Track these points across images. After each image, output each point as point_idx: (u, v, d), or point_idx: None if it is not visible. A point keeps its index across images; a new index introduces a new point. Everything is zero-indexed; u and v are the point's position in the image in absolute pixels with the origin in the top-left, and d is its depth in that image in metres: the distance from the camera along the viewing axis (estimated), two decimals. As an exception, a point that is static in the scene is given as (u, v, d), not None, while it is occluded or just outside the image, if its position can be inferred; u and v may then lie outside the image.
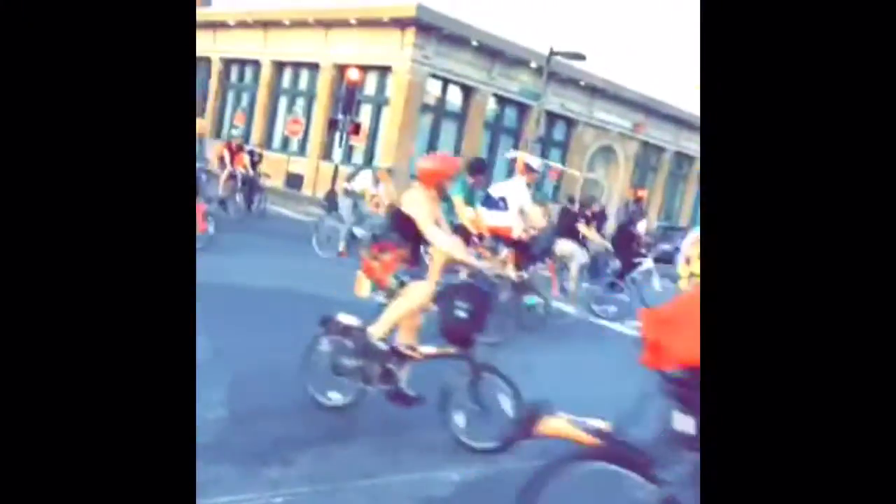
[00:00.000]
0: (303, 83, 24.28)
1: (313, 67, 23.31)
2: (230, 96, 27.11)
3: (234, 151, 12.93)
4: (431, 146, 21.33)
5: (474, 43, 21.05)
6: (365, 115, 21.68)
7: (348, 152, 20.98)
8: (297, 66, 24.28)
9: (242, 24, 25.15)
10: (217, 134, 25.13)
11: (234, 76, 27.08)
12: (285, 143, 23.18)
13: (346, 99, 19.31)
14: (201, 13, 24.12)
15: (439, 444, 4.05)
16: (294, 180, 22.61)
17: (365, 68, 21.09)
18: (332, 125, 19.58)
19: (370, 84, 22.08)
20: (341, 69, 21.28)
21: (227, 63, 26.79)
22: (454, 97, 22.41)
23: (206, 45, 26.37)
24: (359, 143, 20.79)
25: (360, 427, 4.18)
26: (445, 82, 21.82)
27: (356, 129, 19.31)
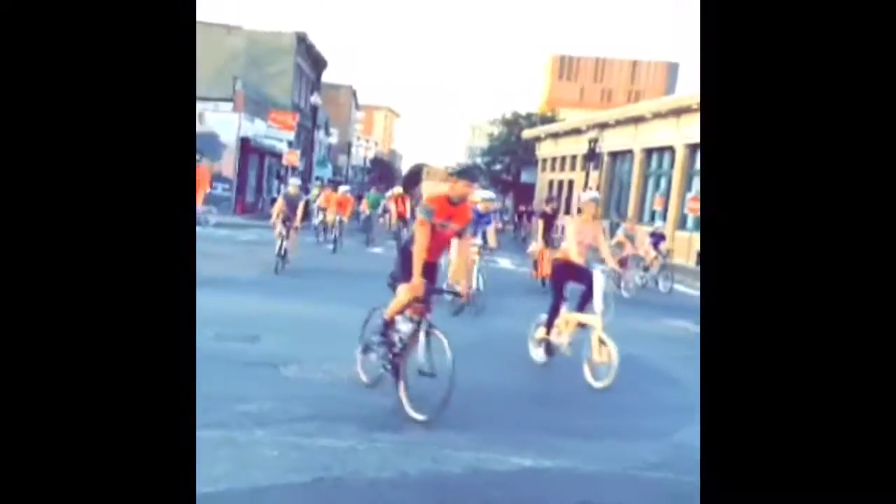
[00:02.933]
0: (713, 161, 24.78)
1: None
2: (650, 182, 28.99)
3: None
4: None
5: None
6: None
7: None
8: (707, 146, 24.97)
9: (657, 115, 27.10)
10: (639, 217, 27.07)
11: (654, 163, 28.98)
12: (684, 220, 23.96)
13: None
14: (625, 110, 26.73)
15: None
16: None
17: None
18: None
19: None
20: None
21: (648, 152, 28.87)
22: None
23: (628, 138, 29.12)
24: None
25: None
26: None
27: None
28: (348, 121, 61.88)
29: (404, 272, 5.03)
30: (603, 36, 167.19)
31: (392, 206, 19.22)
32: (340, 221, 17.07)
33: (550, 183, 39.86)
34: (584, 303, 6.71)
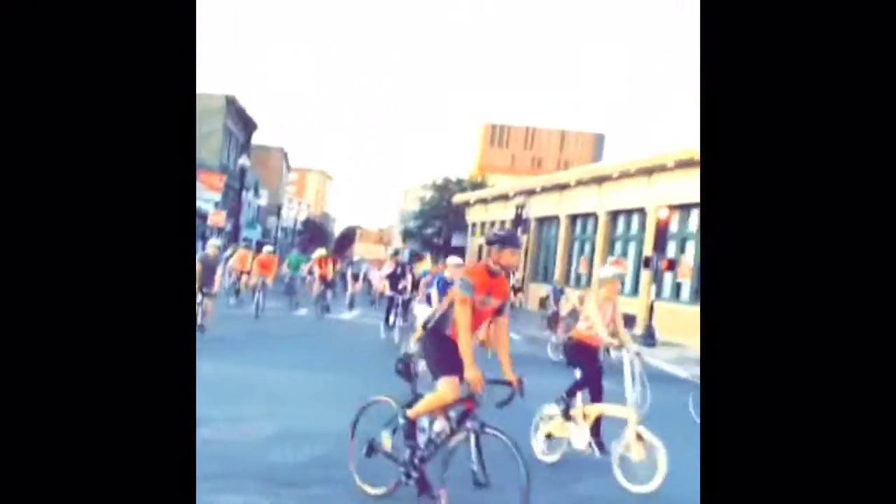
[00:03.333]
0: (633, 228, 25.65)
1: (640, 212, 24.63)
2: (576, 246, 29.75)
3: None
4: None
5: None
6: (689, 253, 21.94)
7: (675, 289, 21.39)
8: (628, 212, 25.87)
9: (580, 183, 28.06)
10: (566, 280, 27.62)
11: (577, 229, 29.82)
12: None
13: (657, 237, 20.08)
14: (551, 178, 27.55)
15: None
16: (628, 320, 23.56)
17: (687, 206, 21.69)
18: (647, 263, 20.37)
19: (693, 222, 22.42)
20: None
21: (573, 218, 29.71)
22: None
23: (553, 204, 29.98)
24: (685, 279, 21.16)
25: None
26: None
27: (670, 265, 19.80)
28: (279, 182, 61.58)
29: (443, 363, 4.19)
30: (533, 105, 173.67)
31: (316, 270, 18.23)
32: (263, 284, 15.91)
33: (480, 247, 40.36)
34: (598, 391, 5.88)
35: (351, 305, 20.34)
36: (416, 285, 12.91)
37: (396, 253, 17.00)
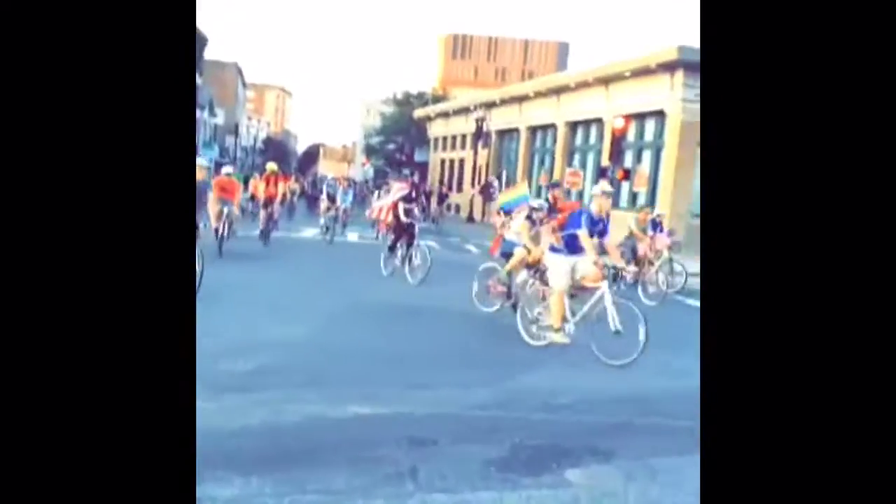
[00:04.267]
0: (592, 139, 25.71)
1: (598, 122, 24.63)
2: (536, 159, 29.78)
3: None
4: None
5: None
6: (645, 162, 22.16)
7: (632, 198, 21.72)
8: (586, 123, 25.85)
9: (539, 94, 27.82)
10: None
11: (538, 141, 29.77)
12: (567, 194, 24.90)
13: (613, 147, 20.21)
14: (510, 89, 27.16)
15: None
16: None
17: (643, 115, 21.75)
18: (603, 173, 20.57)
19: (649, 131, 22.53)
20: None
21: (533, 130, 29.60)
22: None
23: (514, 116, 29.78)
24: (641, 188, 21.50)
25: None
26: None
27: (625, 174, 20.03)
28: (235, 100, 59.82)
29: None
30: (496, 14, 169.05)
31: (261, 188, 15.31)
32: (228, 212, 12.24)
33: (442, 162, 40.16)
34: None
35: (327, 229, 16.75)
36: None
37: (412, 174, 13.42)
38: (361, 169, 56.67)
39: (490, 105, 31.97)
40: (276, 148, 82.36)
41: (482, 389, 5.23)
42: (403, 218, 10.93)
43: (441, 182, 37.25)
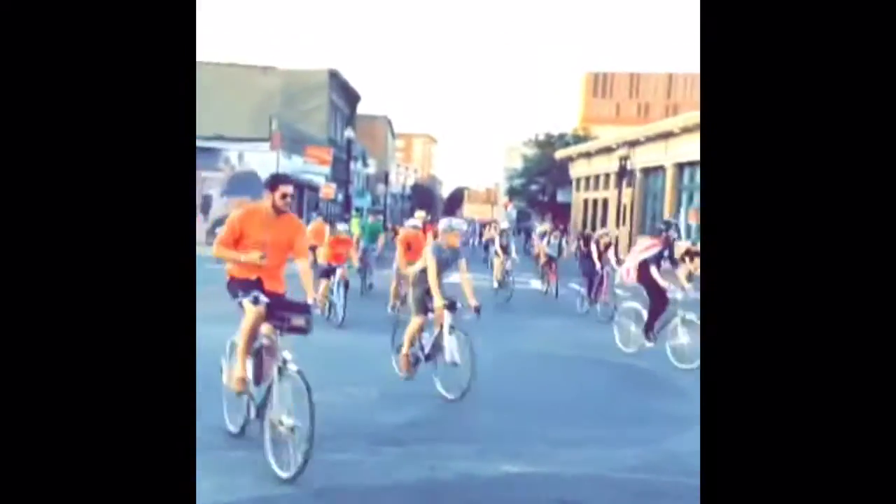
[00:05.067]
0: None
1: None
2: (684, 196, 28.92)
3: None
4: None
5: None
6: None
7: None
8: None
9: (686, 130, 27.17)
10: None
11: (685, 178, 28.93)
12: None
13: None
14: (654, 126, 26.57)
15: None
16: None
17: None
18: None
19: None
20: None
21: (680, 166, 28.85)
22: None
23: (659, 154, 29.26)
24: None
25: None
26: None
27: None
28: (385, 150, 63.05)
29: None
30: (637, 51, 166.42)
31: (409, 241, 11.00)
32: (340, 279, 10.25)
33: (585, 202, 39.93)
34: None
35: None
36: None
37: (668, 227, 8.97)
38: (504, 211, 57.28)
39: (634, 143, 31.56)
40: (422, 193, 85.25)
41: (631, 449, 5.13)
42: (661, 281, 8.45)
43: (584, 223, 37.06)
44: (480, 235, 31.96)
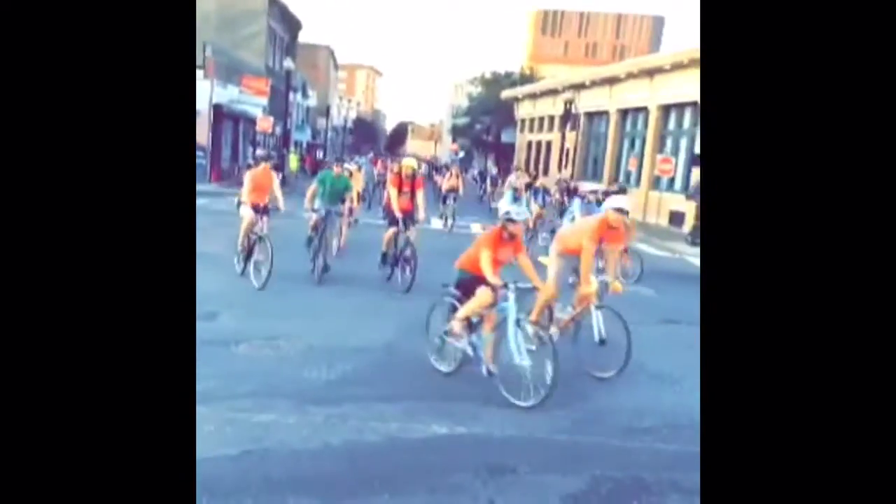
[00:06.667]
0: (686, 123, 24.77)
1: (693, 106, 23.68)
2: (626, 143, 29.01)
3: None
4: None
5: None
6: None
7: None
8: (680, 106, 24.92)
9: (631, 76, 26.99)
10: (616, 178, 27.21)
11: (628, 125, 28.96)
12: (656, 181, 24.18)
13: (708, 134, 19.46)
14: (600, 71, 26.42)
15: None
16: (676, 217, 23.22)
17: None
18: (695, 161, 19.86)
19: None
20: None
21: (623, 113, 28.81)
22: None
23: (604, 99, 29.08)
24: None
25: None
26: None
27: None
28: (327, 82, 61.06)
29: None
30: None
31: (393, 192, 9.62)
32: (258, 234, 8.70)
33: (529, 144, 39.75)
34: None
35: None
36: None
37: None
38: (449, 152, 56.71)
39: (579, 87, 31.32)
40: (365, 127, 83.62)
41: (561, 410, 5.16)
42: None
43: (527, 164, 36.91)
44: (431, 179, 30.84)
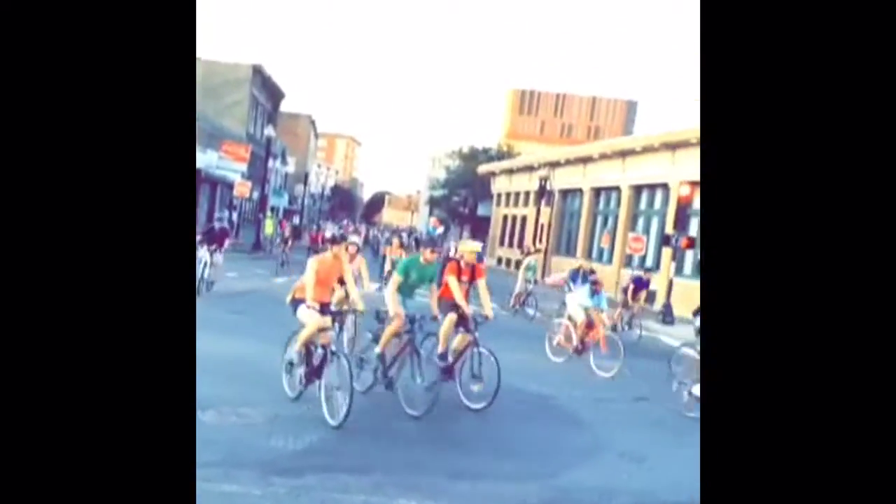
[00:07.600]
0: (657, 204, 25.41)
1: (664, 188, 24.35)
2: (599, 220, 29.59)
3: None
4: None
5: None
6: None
7: (697, 266, 21.25)
8: (651, 187, 25.60)
9: (604, 156, 27.81)
10: (588, 254, 27.58)
11: (601, 203, 29.62)
12: (629, 259, 24.58)
13: (678, 214, 19.92)
14: (575, 150, 27.17)
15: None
16: (648, 296, 23.51)
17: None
18: (666, 241, 20.25)
19: (716, 198, 22.15)
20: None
21: (597, 191, 29.51)
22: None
23: (578, 177, 29.81)
24: (706, 257, 21.13)
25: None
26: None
27: (689, 243, 19.66)
28: (306, 149, 61.91)
29: None
30: (564, 72, 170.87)
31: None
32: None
33: (505, 217, 40.34)
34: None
35: None
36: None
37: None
38: (428, 227, 57.14)
39: (554, 164, 32.10)
40: (343, 195, 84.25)
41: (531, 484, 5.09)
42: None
43: (502, 238, 37.39)
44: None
